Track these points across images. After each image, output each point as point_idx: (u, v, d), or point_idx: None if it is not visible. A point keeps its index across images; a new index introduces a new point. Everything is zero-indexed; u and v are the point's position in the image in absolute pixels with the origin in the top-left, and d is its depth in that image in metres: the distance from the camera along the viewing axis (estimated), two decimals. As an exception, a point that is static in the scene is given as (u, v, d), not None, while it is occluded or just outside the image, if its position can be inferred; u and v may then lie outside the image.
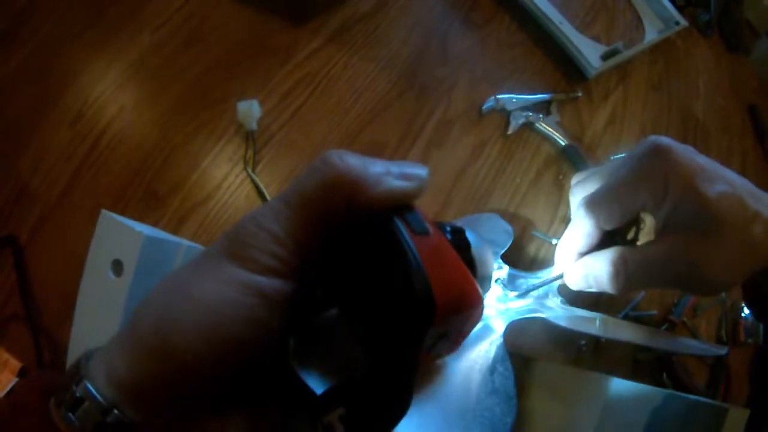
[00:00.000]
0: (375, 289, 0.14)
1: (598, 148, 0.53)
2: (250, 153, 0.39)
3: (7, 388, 0.33)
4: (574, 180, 0.31)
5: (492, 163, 0.45)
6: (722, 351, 0.29)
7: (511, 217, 0.44)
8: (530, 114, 0.48)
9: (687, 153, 0.24)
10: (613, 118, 0.55)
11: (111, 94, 0.40)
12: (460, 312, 0.15)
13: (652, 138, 0.25)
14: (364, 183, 0.16)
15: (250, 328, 0.15)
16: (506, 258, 0.33)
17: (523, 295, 0.28)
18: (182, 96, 0.40)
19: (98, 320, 0.28)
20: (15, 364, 0.34)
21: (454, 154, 0.44)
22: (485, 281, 0.20)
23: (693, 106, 0.64)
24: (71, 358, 0.28)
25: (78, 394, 0.15)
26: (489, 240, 0.35)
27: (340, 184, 0.15)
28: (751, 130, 0.69)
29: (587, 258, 0.26)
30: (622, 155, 0.54)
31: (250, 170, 0.38)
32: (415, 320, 0.14)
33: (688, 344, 0.30)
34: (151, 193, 0.37)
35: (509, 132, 0.47)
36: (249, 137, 0.39)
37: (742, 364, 0.47)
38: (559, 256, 0.28)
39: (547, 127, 0.48)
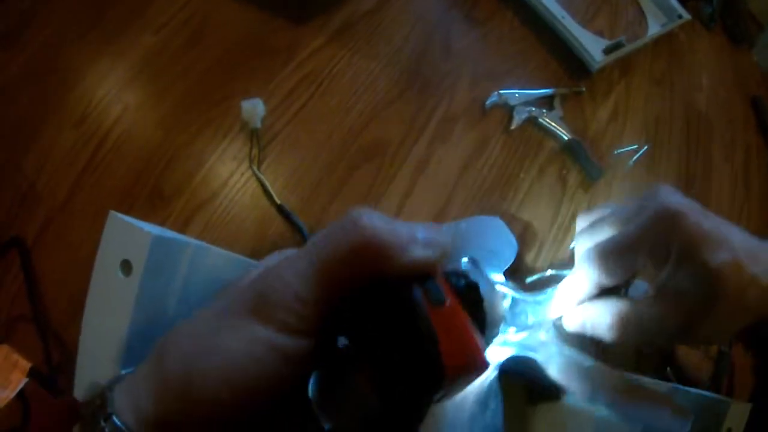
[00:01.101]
0: (392, 348, 0.16)
1: (602, 142, 0.53)
2: (255, 151, 0.39)
3: (18, 388, 0.34)
4: (580, 222, 0.30)
5: (495, 158, 0.45)
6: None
7: (514, 213, 0.44)
8: (533, 109, 0.48)
9: (693, 218, 0.24)
10: (616, 113, 0.55)
11: (115, 95, 0.40)
12: (467, 376, 0.16)
13: (662, 198, 0.24)
14: (391, 251, 0.16)
15: (273, 381, 0.16)
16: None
17: (521, 330, 0.29)
18: (185, 96, 0.40)
19: (108, 320, 0.28)
20: (25, 364, 0.34)
21: (458, 150, 0.44)
22: (495, 326, 0.21)
23: (696, 100, 0.64)
24: (81, 359, 0.29)
25: (107, 430, 0.16)
26: (493, 252, 0.35)
27: (367, 250, 0.16)
28: (754, 123, 0.69)
29: (587, 306, 0.27)
30: (626, 149, 0.54)
31: (255, 168, 0.38)
32: (426, 383, 0.15)
33: (655, 415, 0.30)
34: (156, 192, 0.38)
35: (512, 127, 0.47)
36: (253, 136, 0.39)
37: (746, 358, 0.47)
38: (559, 299, 0.29)
39: (550, 122, 0.48)
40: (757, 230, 0.62)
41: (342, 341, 0.17)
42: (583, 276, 0.27)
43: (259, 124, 0.39)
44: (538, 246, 0.45)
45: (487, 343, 0.23)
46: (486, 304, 0.20)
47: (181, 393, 0.16)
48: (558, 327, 0.29)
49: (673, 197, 0.24)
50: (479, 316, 0.20)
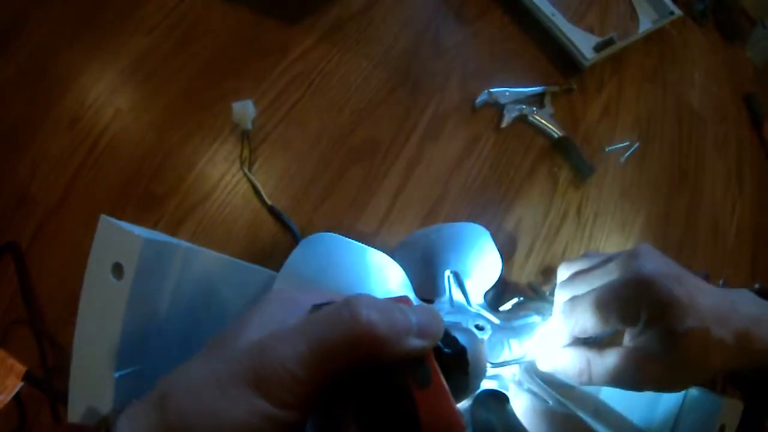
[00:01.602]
0: (379, 420, 0.17)
1: (593, 139, 0.53)
2: (245, 153, 0.39)
3: (14, 392, 0.34)
4: (561, 271, 0.32)
5: (486, 156, 0.46)
6: None
7: (505, 211, 0.45)
8: (524, 107, 0.48)
9: (665, 285, 0.25)
10: (608, 110, 0.55)
11: (107, 97, 0.40)
12: None
13: (638, 263, 0.26)
14: (387, 341, 0.17)
15: None
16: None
17: (497, 366, 0.30)
18: (177, 98, 0.40)
19: (101, 323, 0.28)
20: (20, 368, 0.34)
21: (448, 149, 0.45)
22: (478, 379, 0.23)
23: (688, 96, 0.64)
24: (75, 362, 0.29)
25: None
26: (476, 265, 0.36)
27: (364, 341, 0.17)
28: (747, 119, 0.69)
29: (560, 352, 0.29)
30: (618, 146, 0.54)
31: (246, 169, 0.38)
32: None
33: None
34: (149, 195, 0.38)
35: (503, 125, 0.47)
36: (244, 137, 0.39)
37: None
38: (535, 342, 0.31)
39: (540, 120, 0.49)
40: (750, 222, 0.63)
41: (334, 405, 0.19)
42: (558, 326, 0.29)
43: (249, 126, 0.39)
44: (530, 243, 0.45)
45: (471, 393, 0.25)
46: (471, 366, 0.21)
47: None
48: (529, 366, 0.30)
49: (649, 264, 0.26)
50: (464, 378, 0.21)
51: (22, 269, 0.36)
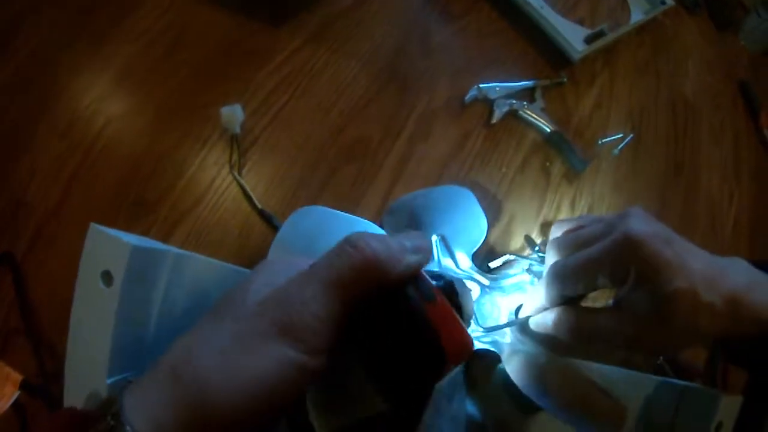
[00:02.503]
0: (394, 348, 0.17)
1: (586, 132, 0.53)
2: (235, 156, 0.39)
3: (11, 400, 0.34)
4: (553, 230, 0.32)
5: (477, 153, 0.46)
6: None
7: (498, 207, 0.45)
8: (514, 102, 0.48)
9: (654, 246, 0.25)
10: (600, 102, 0.55)
11: (99, 105, 0.40)
12: (462, 360, 0.19)
13: (627, 224, 0.25)
14: (389, 264, 0.18)
15: (294, 394, 0.18)
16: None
17: (489, 330, 0.29)
18: (167, 104, 0.41)
19: (92, 331, 0.28)
20: (17, 377, 0.34)
21: (439, 146, 0.45)
22: (467, 320, 0.24)
23: (682, 86, 0.64)
24: (68, 370, 0.29)
25: None
26: (462, 228, 0.35)
27: (369, 268, 0.18)
28: (743, 107, 0.69)
29: (551, 311, 0.29)
30: (611, 138, 0.54)
31: (235, 173, 0.38)
32: (432, 372, 0.18)
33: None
34: (140, 201, 0.38)
35: (493, 121, 0.47)
36: (233, 141, 0.39)
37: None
38: (527, 304, 0.31)
39: (531, 114, 0.48)
40: (748, 213, 0.62)
41: (347, 349, 0.19)
42: (548, 285, 0.29)
43: (238, 130, 0.39)
44: (524, 239, 0.45)
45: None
46: (460, 299, 0.22)
47: (199, 407, 0.17)
48: (521, 326, 0.30)
49: (638, 224, 0.25)
50: (457, 304, 0.22)
51: (19, 278, 0.36)
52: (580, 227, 0.30)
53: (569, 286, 0.27)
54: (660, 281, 0.24)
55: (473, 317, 0.25)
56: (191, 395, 0.17)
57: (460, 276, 0.32)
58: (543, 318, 0.29)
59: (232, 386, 0.17)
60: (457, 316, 0.19)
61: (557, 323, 0.28)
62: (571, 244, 0.29)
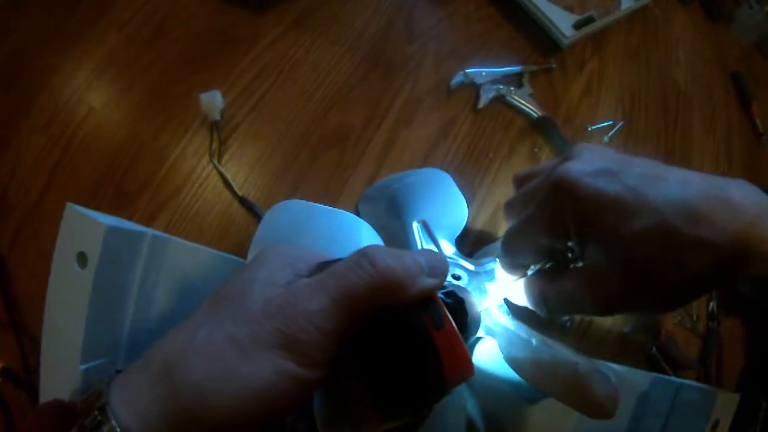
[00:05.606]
0: (395, 367, 0.17)
1: (575, 118, 0.52)
2: (215, 144, 0.39)
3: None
4: (504, 208, 0.29)
5: (463, 139, 0.45)
6: None
7: (485, 194, 0.44)
8: (501, 87, 0.47)
9: (594, 184, 0.20)
10: (589, 89, 0.54)
11: (81, 95, 0.40)
12: (461, 383, 0.19)
13: (556, 172, 0.22)
14: (404, 283, 0.18)
15: (289, 406, 0.17)
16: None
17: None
18: (148, 93, 0.40)
19: (66, 314, 0.28)
20: (-1, 365, 0.34)
21: (423, 132, 0.44)
22: (475, 328, 0.24)
23: (674, 75, 0.63)
24: (44, 355, 0.29)
25: None
26: (443, 212, 0.35)
27: (385, 284, 0.17)
28: (735, 98, 0.68)
29: (514, 288, 0.27)
30: (601, 125, 0.53)
31: (215, 161, 0.38)
32: (431, 396, 0.18)
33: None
34: (121, 191, 0.38)
35: (480, 106, 0.46)
36: (213, 128, 0.39)
37: (734, 335, 0.46)
38: (496, 284, 0.29)
39: (519, 100, 0.48)
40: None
41: (349, 363, 0.19)
42: (500, 259, 0.27)
43: (218, 117, 0.39)
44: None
45: (467, 342, 0.25)
46: (469, 316, 0.22)
47: (194, 411, 0.16)
48: (504, 308, 0.29)
49: (575, 164, 0.21)
50: (464, 326, 0.22)
51: (3, 272, 0.36)
52: (530, 177, 0.26)
53: (519, 256, 0.25)
54: (611, 225, 0.20)
55: (480, 322, 0.25)
56: (182, 396, 0.16)
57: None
58: (512, 296, 0.27)
59: (226, 393, 0.16)
60: (462, 341, 0.18)
61: (524, 298, 0.26)
62: (515, 204, 0.25)
